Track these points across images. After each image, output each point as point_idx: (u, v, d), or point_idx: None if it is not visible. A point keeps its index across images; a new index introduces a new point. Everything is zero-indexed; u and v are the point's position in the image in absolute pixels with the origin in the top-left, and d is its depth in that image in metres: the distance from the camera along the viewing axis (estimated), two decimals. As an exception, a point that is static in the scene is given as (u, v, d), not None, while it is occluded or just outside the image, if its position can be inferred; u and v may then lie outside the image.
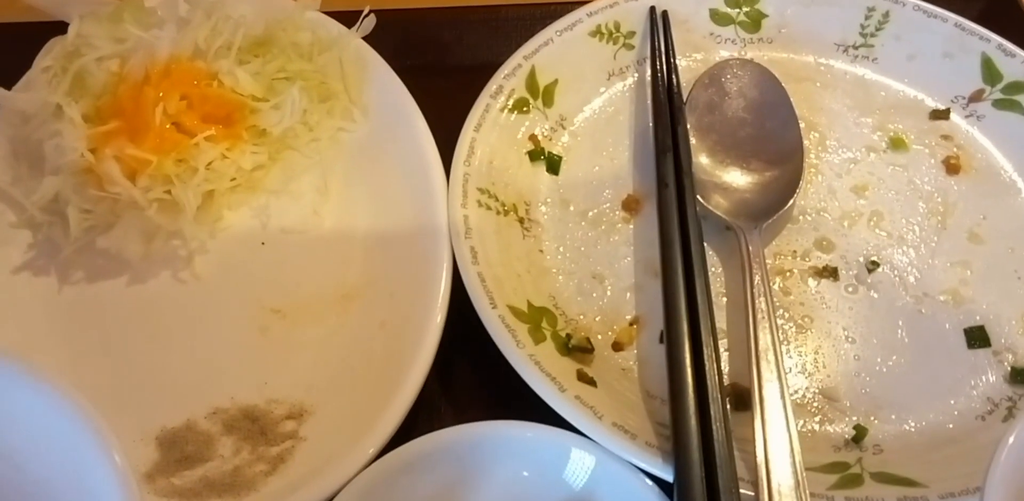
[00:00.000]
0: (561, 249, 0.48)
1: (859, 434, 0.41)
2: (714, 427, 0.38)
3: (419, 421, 0.40)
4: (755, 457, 0.37)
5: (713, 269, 0.46)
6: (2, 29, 0.55)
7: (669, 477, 0.37)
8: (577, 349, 0.43)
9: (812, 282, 0.47)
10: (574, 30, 0.53)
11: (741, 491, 0.36)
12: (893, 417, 0.42)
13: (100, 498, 0.31)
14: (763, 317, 0.42)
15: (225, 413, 0.42)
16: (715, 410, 0.38)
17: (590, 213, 0.49)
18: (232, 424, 0.42)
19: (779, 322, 0.43)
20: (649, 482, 0.37)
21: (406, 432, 0.39)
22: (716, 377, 0.40)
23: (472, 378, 0.44)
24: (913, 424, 0.42)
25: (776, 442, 0.37)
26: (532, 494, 0.38)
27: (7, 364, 0.33)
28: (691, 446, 0.37)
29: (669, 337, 0.41)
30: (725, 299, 0.46)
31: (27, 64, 0.50)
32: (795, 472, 0.37)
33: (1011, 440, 0.32)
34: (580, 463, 0.38)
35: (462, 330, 0.43)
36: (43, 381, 0.33)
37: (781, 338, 0.42)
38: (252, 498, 0.39)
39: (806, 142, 0.51)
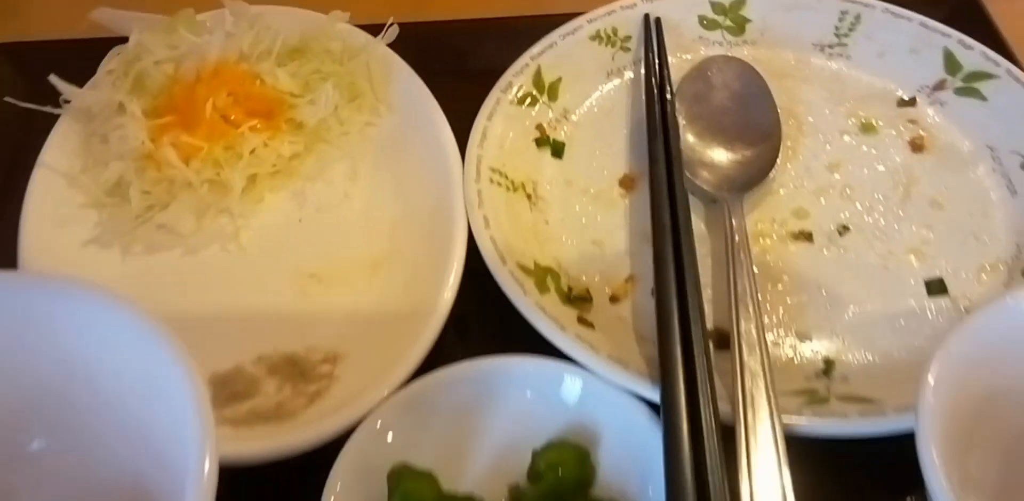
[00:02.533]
0: (564, 220, 0.54)
1: (828, 367, 0.46)
2: (697, 360, 0.43)
3: (436, 363, 0.45)
4: (733, 381, 0.42)
5: (699, 237, 0.51)
6: (72, 44, 0.61)
7: (656, 399, 0.42)
8: (578, 299, 0.49)
9: (788, 244, 0.52)
10: (576, 34, 0.60)
11: (720, 407, 0.41)
12: (859, 352, 0.47)
13: (174, 402, 0.36)
14: (742, 269, 0.47)
15: (269, 359, 0.48)
16: (697, 345, 0.44)
17: (591, 190, 0.55)
18: (275, 368, 0.48)
19: (757, 278, 0.48)
20: (638, 402, 0.42)
21: (426, 371, 0.44)
22: (699, 321, 0.45)
23: (484, 328, 0.49)
24: (877, 358, 0.47)
25: (751, 369, 0.43)
26: (536, 413, 0.43)
27: (75, 286, 0.39)
28: (675, 372, 0.42)
29: (658, 288, 0.46)
30: (710, 260, 0.51)
31: (93, 73, 0.57)
32: (767, 392, 0.42)
33: (938, 354, 0.37)
34: (577, 388, 0.43)
35: (476, 290, 0.48)
36: (112, 300, 0.38)
37: (758, 288, 0.47)
38: (292, 423, 0.44)
39: (786, 128, 0.57)
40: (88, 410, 0.40)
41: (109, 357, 0.38)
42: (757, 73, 0.58)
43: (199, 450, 0.33)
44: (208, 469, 0.33)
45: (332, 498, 0.40)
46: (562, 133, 0.57)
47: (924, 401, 0.36)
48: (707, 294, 0.49)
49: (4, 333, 0.39)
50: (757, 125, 0.55)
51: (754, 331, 0.44)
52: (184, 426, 0.34)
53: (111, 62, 0.57)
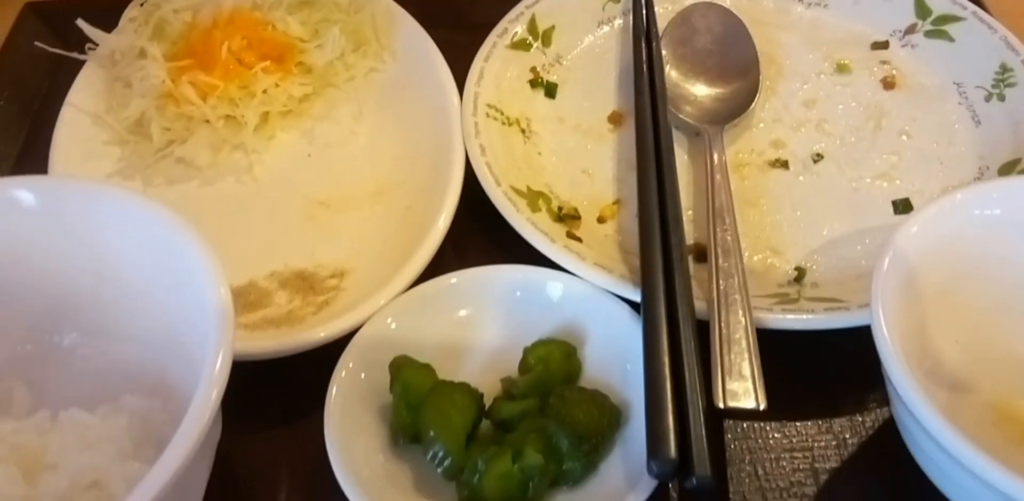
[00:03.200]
0: (556, 152, 0.57)
1: (800, 274, 0.50)
2: (675, 265, 0.46)
3: (435, 276, 0.49)
4: (709, 282, 0.46)
5: (683, 168, 0.55)
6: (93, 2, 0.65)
7: (638, 299, 0.45)
8: (568, 216, 0.52)
9: (766, 171, 0.56)
10: (568, -15, 0.63)
11: (696, 306, 0.45)
12: (829, 262, 0.50)
13: (197, 298, 0.38)
14: (720, 189, 0.51)
15: (280, 274, 0.52)
16: (676, 252, 0.47)
17: (581, 126, 0.59)
18: (286, 282, 0.52)
19: (735, 201, 0.52)
20: (621, 303, 0.46)
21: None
22: (678, 232, 0.48)
23: (479, 247, 0.52)
24: (845, 267, 0.50)
25: (726, 271, 0.46)
26: (527, 316, 0.47)
27: (108, 189, 0.43)
28: (655, 273, 0.46)
29: (641, 205, 0.50)
30: (693, 187, 0.55)
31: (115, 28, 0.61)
32: (741, 292, 0.45)
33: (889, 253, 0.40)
34: (565, 292, 0.47)
35: (472, 214, 0.52)
36: (143, 202, 0.42)
37: (735, 207, 0.50)
38: (301, 327, 0.48)
39: (765, 71, 0.60)
40: (116, 308, 0.44)
41: (137, 257, 0.42)
42: (737, 18, 0.61)
43: (217, 343, 0.36)
44: (221, 362, 0.36)
45: (337, 386, 0.43)
46: (555, 76, 0.61)
47: (879, 287, 0.39)
48: (688, 216, 0.53)
49: (41, 237, 0.43)
50: (737, 64, 0.59)
51: (729, 239, 0.48)
52: (205, 319, 0.37)
53: (132, 11, 0.61)
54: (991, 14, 0.59)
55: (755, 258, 0.51)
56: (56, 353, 0.45)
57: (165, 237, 0.41)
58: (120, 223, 0.42)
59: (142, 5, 0.61)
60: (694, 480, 0.38)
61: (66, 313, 0.45)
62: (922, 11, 0.61)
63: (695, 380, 0.41)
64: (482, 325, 0.47)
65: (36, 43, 0.60)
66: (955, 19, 0.60)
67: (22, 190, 0.42)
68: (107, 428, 0.41)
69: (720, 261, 0.47)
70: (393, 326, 0.46)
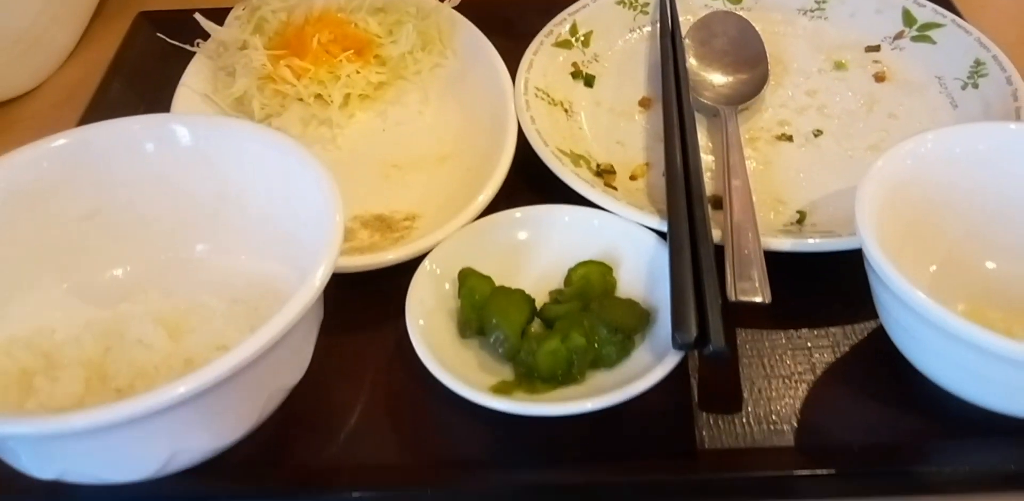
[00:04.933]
0: (594, 128, 0.67)
1: (802, 217, 0.59)
2: (695, 202, 0.56)
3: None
4: (724, 216, 0.55)
5: (703, 147, 0.65)
6: (210, 12, 0.76)
7: (665, 229, 0.55)
8: (604, 171, 0.62)
9: (774, 144, 0.65)
10: (604, 0, 0.74)
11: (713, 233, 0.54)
12: (827, 208, 0.60)
13: (313, 215, 0.47)
14: (735, 150, 0.61)
15: (362, 217, 0.61)
16: (697, 196, 0.57)
17: (616, 109, 0.69)
18: (367, 222, 0.61)
19: (747, 163, 0.61)
20: (650, 232, 0.55)
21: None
22: (700, 183, 0.58)
23: (528, 200, 0.61)
24: (839, 211, 0.59)
25: (740, 205, 0.55)
26: (571, 244, 0.55)
27: (242, 125, 0.53)
28: (680, 206, 0.55)
29: (668, 162, 0.59)
30: (711, 158, 0.64)
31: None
32: (751, 222, 0.54)
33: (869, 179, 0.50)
34: (603, 223, 0.56)
35: (523, 173, 0.61)
36: (270, 134, 0.52)
37: (748, 170, 0.60)
38: (380, 252, 0.57)
39: (772, 69, 0.70)
40: (240, 222, 0.54)
41: (263, 181, 0.52)
42: (749, 23, 0.72)
43: (327, 252, 0.44)
44: (324, 269, 0.44)
45: (415, 290, 0.52)
46: (593, 70, 0.72)
47: (863, 206, 0.48)
48: (708, 176, 0.62)
49: (183, 163, 0.53)
50: (748, 57, 0.70)
51: (741, 185, 0.57)
52: (318, 234, 0.46)
53: (237, 10, 0.72)
54: (966, 18, 0.70)
55: (763, 205, 0.60)
56: (188, 261, 0.54)
57: (290, 166, 0.50)
58: (250, 153, 0.52)
59: (244, 9, 0.72)
60: (711, 347, 0.46)
61: (195, 228, 0.54)
62: (909, 20, 0.72)
63: (712, 281, 0.50)
64: (535, 251, 0.56)
65: (158, 34, 0.71)
66: (937, 25, 0.70)
67: (177, 124, 0.52)
68: (230, 312, 0.50)
69: (734, 202, 0.56)
70: (462, 247, 0.55)
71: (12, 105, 0.76)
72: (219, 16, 0.73)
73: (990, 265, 0.52)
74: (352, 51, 0.70)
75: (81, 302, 0.51)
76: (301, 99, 0.68)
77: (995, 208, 0.51)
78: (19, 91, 0.77)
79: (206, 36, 0.72)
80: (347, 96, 0.69)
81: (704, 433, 0.49)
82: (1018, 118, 0.61)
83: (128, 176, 0.52)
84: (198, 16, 0.70)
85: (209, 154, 0.52)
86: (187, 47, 0.71)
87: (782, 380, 0.51)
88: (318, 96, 0.68)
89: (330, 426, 0.50)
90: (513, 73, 0.68)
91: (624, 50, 0.74)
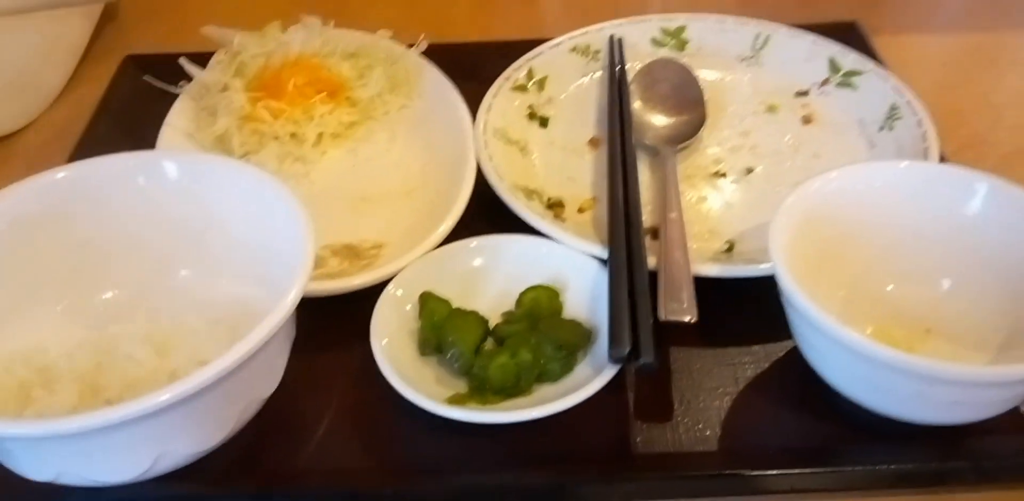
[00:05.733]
0: (547, 165, 0.73)
1: (731, 246, 0.65)
2: (632, 233, 0.62)
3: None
4: (660, 245, 0.61)
5: (644, 183, 0.71)
6: (193, 56, 0.82)
7: (605, 256, 0.61)
8: (555, 204, 0.68)
9: (709, 179, 0.72)
10: (559, 47, 0.81)
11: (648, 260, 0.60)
12: (754, 238, 0.66)
13: (286, 245, 0.52)
14: (672, 186, 0.67)
15: (332, 246, 0.66)
16: (635, 227, 0.63)
17: (567, 147, 0.75)
18: (337, 251, 0.66)
19: (684, 197, 0.68)
20: (593, 259, 0.61)
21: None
22: (638, 215, 0.64)
23: (488, 225, 0.67)
24: (767, 241, 0.65)
25: (672, 237, 0.62)
26: (521, 270, 0.61)
27: (225, 161, 0.59)
28: (619, 237, 0.61)
29: (611, 196, 0.66)
30: (651, 193, 0.71)
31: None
32: (683, 250, 0.61)
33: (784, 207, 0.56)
34: (551, 252, 0.62)
35: (481, 206, 0.67)
36: (249, 170, 0.58)
37: (683, 206, 0.66)
38: (348, 278, 0.62)
39: (710, 111, 0.77)
40: (221, 249, 0.59)
41: (242, 211, 0.57)
42: (690, 70, 0.79)
43: (299, 277, 0.50)
44: (296, 292, 0.49)
45: (379, 313, 0.58)
46: (547, 111, 0.78)
47: (776, 237, 0.54)
48: (647, 209, 0.69)
49: (169, 195, 0.58)
50: (688, 102, 0.76)
51: (676, 217, 0.63)
52: (292, 260, 0.51)
53: (219, 56, 0.78)
54: (885, 66, 0.77)
55: (697, 236, 0.66)
56: (174, 284, 0.60)
57: (267, 198, 0.56)
58: (231, 186, 0.58)
59: (225, 54, 0.79)
60: (642, 360, 0.52)
61: (183, 253, 0.60)
62: (834, 67, 0.79)
63: (646, 303, 0.56)
64: (490, 276, 0.62)
65: (144, 77, 0.77)
66: (858, 73, 0.77)
67: (167, 160, 0.58)
68: (211, 330, 0.56)
69: (669, 233, 0.62)
70: (424, 273, 0.61)
71: (4, 142, 0.81)
72: (202, 60, 0.78)
73: (890, 288, 0.58)
74: (325, 93, 0.76)
75: (75, 321, 0.56)
76: (277, 137, 0.74)
77: (892, 237, 0.58)
78: (11, 129, 0.82)
79: (189, 78, 0.77)
80: (320, 135, 0.75)
81: (639, 439, 0.55)
82: (926, 157, 0.67)
83: (121, 207, 0.57)
84: (183, 60, 0.76)
85: (194, 188, 0.58)
86: (171, 88, 0.77)
87: (709, 392, 0.57)
88: (293, 135, 0.74)
89: (301, 434, 0.55)
90: (474, 114, 0.74)
91: (576, 94, 0.80)
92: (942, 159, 0.69)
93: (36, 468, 0.49)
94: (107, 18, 0.94)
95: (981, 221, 0.56)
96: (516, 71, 0.78)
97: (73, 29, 0.89)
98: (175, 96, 0.76)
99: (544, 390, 0.56)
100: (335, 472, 0.54)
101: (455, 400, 0.55)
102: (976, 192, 0.56)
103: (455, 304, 0.59)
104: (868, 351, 0.48)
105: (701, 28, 0.84)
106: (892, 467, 0.53)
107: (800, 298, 0.50)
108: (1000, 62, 0.88)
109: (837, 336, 0.48)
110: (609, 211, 0.64)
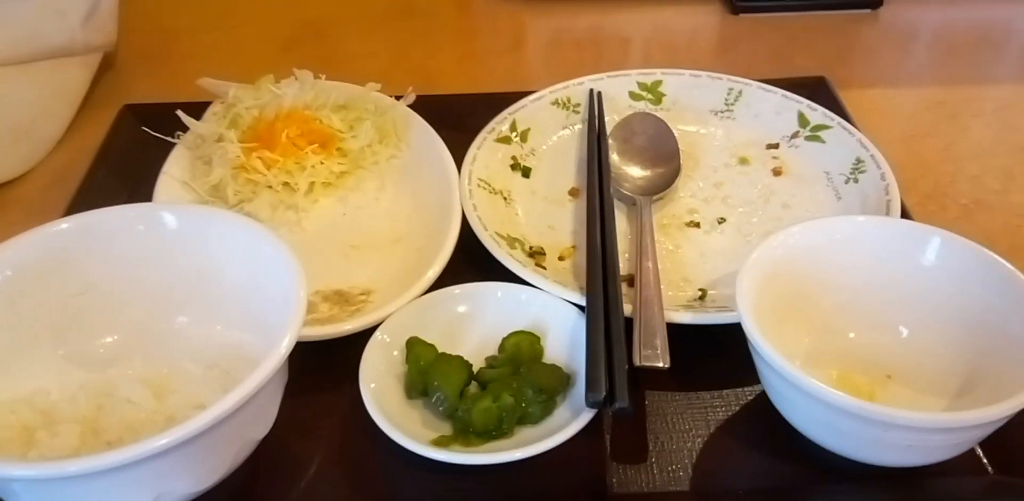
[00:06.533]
0: (529, 214, 0.77)
1: (703, 294, 0.68)
2: (609, 281, 0.65)
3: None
4: (634, 293, 0.65)
5: (621, 231, 0.74)
6: (189, 106, 0.85)
7: (583, 303, 0.64)
8: (536, 252, 0.71)
9: (683, 229, 0.76)
10: (541, 100, 0.85)
11: (624, 307, 0.63)
12: (725, 287, 0.69)
13: (280, 293, 0.54)
14: (647, 236, 0.70)
15: (323, 292, 0.70)
16: (612, 275, 0.66)
17: (549, 197, 0.79)
18: (327, 297, 0.69)
19: (659, 246, 0.71)
20: (572, 306, 0.65)
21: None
22: (615, 263, 0.67)
23: (469, 277, 0.70)
24: (735, 289, 0.69)
25: (648, 283, 0.65)
26: (504, 317, 0.64)
27: (221, 213, 0.62)
28: (597, 285, 0.64)
29: (589, 245, 0.69)
30: (628, 241, 0.74)
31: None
32: (657, 298, 0.64)
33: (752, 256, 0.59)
34: (532, 299, 0.65)
35: (466, 253, 0.70)
36: (244, 221, 0.61)
37: (658, 253, 0.70)
38: (338, 323, 0.65)
39: (685, 162, 0.81)
40: (216, 296, 0.62)
41: (237, 261, 0.60)
42: (666, 124, 0.83)
43: (292, 323, 0.53)
44: (290, 338, 0.52)
45: (367, 359, 0.61)
46: (529, 162, 0.82)
47: (742, 289, 0.58)
48: (624, 257, 0.72)
49: (167, 244, 0.61)
50: (664, 154, 0.80)
51: (651, 268, 0.67)
52: (284, 307, 0.54)
53: (214, 107, 0.82)
54: (852, 121, 0.81)
55: (671, 283, 0.70)
56: (170, 330, 0.62)
57: (260, 248, 0.59)
58: (227, 237, 0.61)
59: (221, 105, 0.82)
60: (617, 404, 0.55)
61: (176, 301, 0.63)
62: (803, 121, 0.83)
63: (621, 349, 0.59)
64: (473, 322, 0.65)
65: (143, 128, 0.80)
66: (826, 127, 0.81)
67: (165, 211, 0.61)
68: (207, 375, 0.58)
69: (644, 281, 0.66)
70: (410, 319, 0.63)
71: (4, 189, 0.84)
72: (197, 110, 0.82)
73: (852, 336, 0.62)
74: (317, 144, 0.79)
75: (76, 366, 0.59)
76: (271, 186, 0.77)
77: (854, 287, 0.61)
78: (10, 176, 0.85)
79: (185, 129, 0.80)
80: (312, 184, 0.78)
81: (615, 480, 0.57)
82: (888, 209, 0.71)
83: (120, 256, 0.60)
84: (179, 112, 0.79)
85: (191, 237, 0.61)
86: (168, 138, 0.80)
87: (682, 434, 0.60)
88: (286, 184, 0.77)
89: (293, 474, 0.58)
90: (459, 164, 0.77)
91: (557, 145, 0.84)
92: (905, 210, 0.72)
93: (39, 508, 0.51)
94: (105, 67, 0.97)
95: (936, 272, 0.60)
96: (500, 123, 0.82)
97: (73, 78, 0.92)
98: (172, 144, 0.79)
99: (525, 432, 0.58)
100: (325, 511, 0.56)
101: (440, 442, 0.57)
102: (930, 245, 0.60)
103: (440, 349, 0.62)
104: (827, 398, 0.51)
105: (676, 83, 0.88)
106: (854, 507, 0.56)
107: (765, 346, 0.53)
108: (962, 115, 0.93)
109: (799, 383, 0.52)
110: (588, 259, 0.67)
